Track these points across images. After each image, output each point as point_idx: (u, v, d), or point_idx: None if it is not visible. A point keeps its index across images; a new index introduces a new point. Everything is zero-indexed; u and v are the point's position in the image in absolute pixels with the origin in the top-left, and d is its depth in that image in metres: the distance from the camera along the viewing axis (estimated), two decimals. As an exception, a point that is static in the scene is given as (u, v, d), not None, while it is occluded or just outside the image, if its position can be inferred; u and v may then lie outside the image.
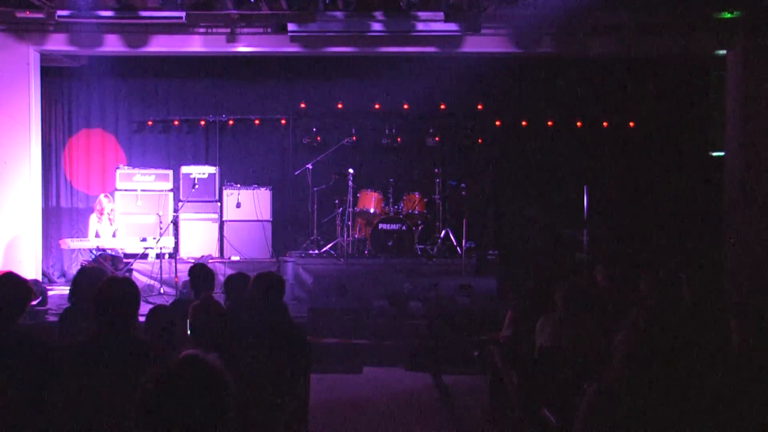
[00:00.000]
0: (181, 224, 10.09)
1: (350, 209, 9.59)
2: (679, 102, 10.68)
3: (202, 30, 9.25)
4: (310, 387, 4.57)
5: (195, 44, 9.34)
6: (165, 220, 9.26)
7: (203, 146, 11.09)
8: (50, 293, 8.69)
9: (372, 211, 9.79)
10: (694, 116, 10.67)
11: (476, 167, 10.91)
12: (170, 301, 6.66)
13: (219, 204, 10.25)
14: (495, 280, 8.60)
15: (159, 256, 9.02)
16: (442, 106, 10.88)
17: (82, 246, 9.05)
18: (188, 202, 10.01)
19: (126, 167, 10.33)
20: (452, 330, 7.27)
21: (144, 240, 8.91)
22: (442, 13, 8.70)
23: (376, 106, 10.88)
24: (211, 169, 10.35)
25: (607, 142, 10.83)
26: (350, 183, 9.60)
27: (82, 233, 9.80)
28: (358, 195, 9.89)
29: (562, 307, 4.19)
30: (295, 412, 4.08)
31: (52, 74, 10.37)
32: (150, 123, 10.98)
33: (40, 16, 8.95)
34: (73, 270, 9.74)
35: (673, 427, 2.50)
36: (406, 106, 10.86)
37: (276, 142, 11.11)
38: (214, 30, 9.25)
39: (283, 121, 11.02)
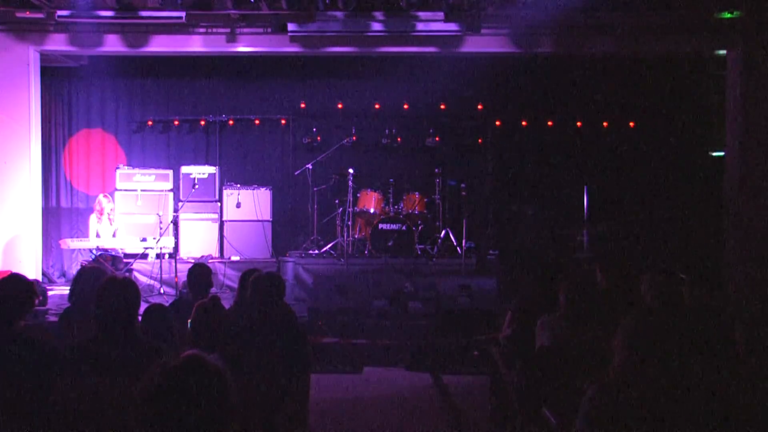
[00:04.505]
0: (181, 224, 10.10)
1: (350, 209, 9.59)
2: (679, 102, 10.68)
3: (202, 30, 9.25)
4: (310, 387, 4.57)
5: (195, 44, 9.34)
6: (165, 220, 9.27)
7: (203, 146, 11.09)
8: (50, 293, 8.68)
9: (372, 211, 9.79)
10: (694, 116, 10.67)
11: (476, 167, 10.92)
12: (170, 301, 6.65)
13: (219, 204, 10.25)
14: (495, 280, 8.60)
15: (159, 256, 9.03)
16: (442, 106, 10.87)
17: (82, 246, 9.06)
18: (188, 202, 10.02)
19: (126, 167, 10.33)
20: (452, 330, 7.27)
21: (144, 240, 8.92)
22: (442, 13, 8.71)
23: (376, 106, 10.88)
24: (211, 169, 10.35)
25: (607, 142, 10.84)
26: (350, 183, 9.60)
27: (82, 233, 9.81)
28: (358, 195, 9.89)
29: (564, 306, 4.17)
30: (295, 412, 4.08)
31: (52, 74, 10.37)
32: (150, 123, 10.99)
33: (40, 16, 8.94)
34: (73, 270, 9.75)
35: (673, 427, 2.50)
36: (406, 106, 10.86)
37: (276, 142, 11.11)
38: (214, 30, 9.24)
39: (283, 121, 11.02)
